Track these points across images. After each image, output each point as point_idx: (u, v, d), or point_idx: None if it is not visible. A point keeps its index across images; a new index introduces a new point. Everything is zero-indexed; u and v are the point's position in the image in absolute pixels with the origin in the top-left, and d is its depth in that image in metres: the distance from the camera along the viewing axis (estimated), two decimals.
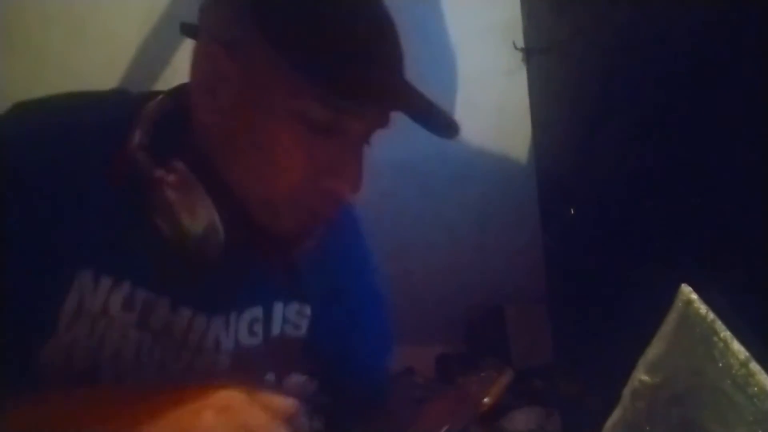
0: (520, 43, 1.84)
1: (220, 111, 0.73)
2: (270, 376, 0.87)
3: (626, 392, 0.72)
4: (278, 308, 0.86)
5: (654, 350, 0.71)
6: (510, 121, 2.07)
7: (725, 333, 0.67)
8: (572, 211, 1.53)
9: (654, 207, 1.21)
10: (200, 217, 0.72)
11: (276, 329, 0.86)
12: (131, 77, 1.93)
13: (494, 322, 2.43)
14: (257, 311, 0.85)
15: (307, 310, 0.89)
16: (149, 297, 0.77)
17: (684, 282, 0.70)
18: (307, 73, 0.68)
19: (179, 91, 0.80)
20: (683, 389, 0.68)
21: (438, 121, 0.76)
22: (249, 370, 0.85)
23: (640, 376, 0.71)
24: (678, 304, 0.70)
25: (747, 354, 0.65)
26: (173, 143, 0.74)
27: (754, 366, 0.65)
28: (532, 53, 1.78)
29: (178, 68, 1.98)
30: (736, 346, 0.66)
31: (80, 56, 1.88)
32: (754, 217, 0.93)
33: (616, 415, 0.72)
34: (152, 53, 1.95)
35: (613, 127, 1.37)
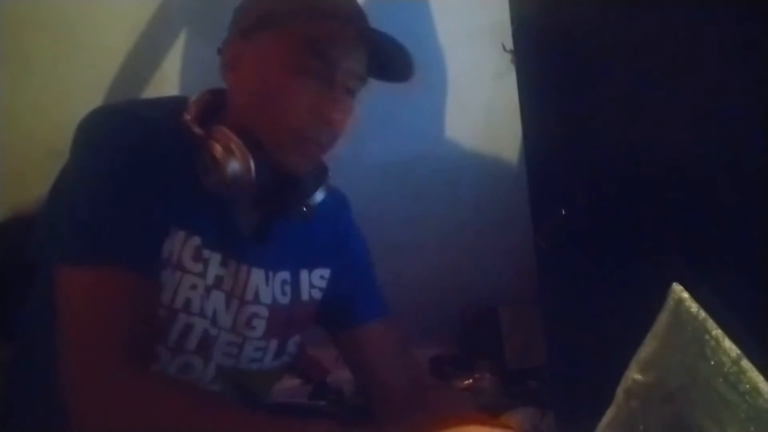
0: (509, 45, 1.84)
1: (243, 83, 0.98)
2: (273, 345, 1.04)
3: (620, 391, 0.72)
4: (305, 275, 1.09)
5: (647, 349, 0.71)
6: (500, 123, 2.08)
7: (717, 331, 0.67)
8: (563, 212, 1.54)
9: (644, 206, 1.22)
10: (237, 158, 0.91)
11: (305, 294, 1.09)
12: (121, 83, 1.93)
13: (488, 323, 2.43)
14: (286, 275, 1.06)
15: (327, 274, 1.11)
16: (207, 253, 0.96)
17: (675, 281, 0.71)
18: (298, 34, 0.93)
19: (215, 89, 1.03)
20: (676, 387, 0.68)
21: (399, 61, 0.97)
22: (281, 327, 1.04)
23: (633, 375, 0.71)
24: (669, 302, 0.70)
25: (738, 351, 0.65)
26: (215, 117, 0.99)
27: (746, 363, 0.65)
28: (520, 55, 1.78)
29: (167, 74, 1.98)
30: (728, 343, 0.66)
31: (70, 62, 1.87)
32: (744, 215, 0.93)
33: (609, 414, 0.73)
34: (142, 59, 1.95)
35: (602, 128, 1.38)
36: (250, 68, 0.97)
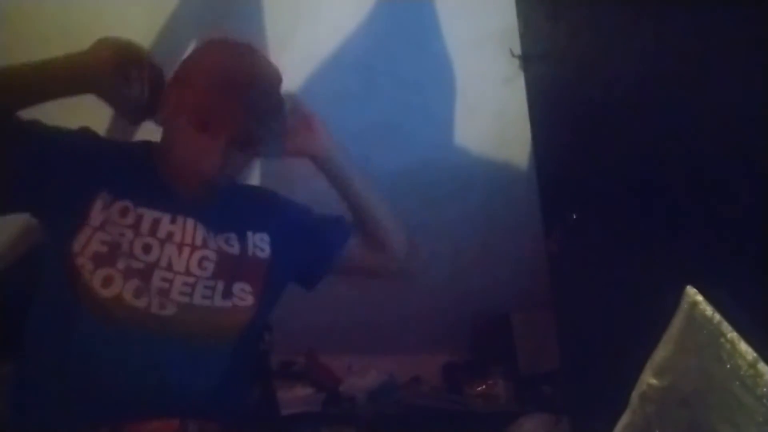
0: (517, 50, 1.84)
1: (165, 123, 1.24)
2: (220, 285, 1.20)
3: (635, 396, 0.72)
4: (250, 235, 1.29)
5: (661, 353, 0.71)
6: (509, 128, 2.07)
7: (732, 334, 0.66)
8: (574, 216, 1.53)
9: (656, 209, 1.21)
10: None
11: (250, 251, 1.27)
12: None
13: (501, 329, 2.42)
14: (232, 234, 1.27)
15: (266, 238, 1.30)
16: (155, 214, 1.20)
17: (689, 284, 0.70)
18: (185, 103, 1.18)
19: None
20: (691, 391, 0.68)
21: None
22: (228, 272, 1.22)
23: (648, 379, 0.71)
24: (684, 306, 0.70)
25: (755, 355, 0.65)
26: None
27: (762, 366, 0.64)
28: (529, 60, 1.78)
29: None
30: (744, 347, 0.66)
31: None
32: (759, 218, 0.93)
33: (625, 419, 0.72)
34: None
35: (612, 131, 1.38)
36: (165, 111, 1.22)
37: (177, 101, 1.20)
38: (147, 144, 1.30)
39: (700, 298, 0.69)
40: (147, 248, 1.17)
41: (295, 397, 2.26)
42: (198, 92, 1.17)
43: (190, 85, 1.19)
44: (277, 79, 1.24)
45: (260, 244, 1.30)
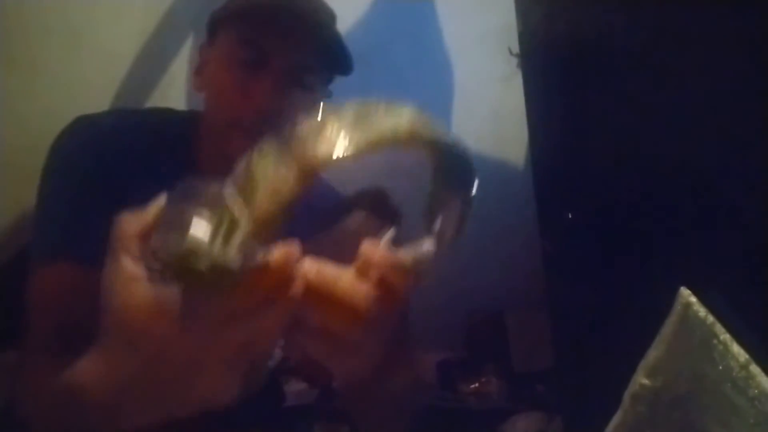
0: (516, 49, 1.84)
1: (204, 85, 1.13)
2: None
3: (627, 396, 0.72)
4: None
5: (654, 353, 0.71)
6: (506, 127, 2.07)
7: (725, 335, 0.66)
8: (570, 216, 1.53)
9: (651, 210, 1.22)
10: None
11: None
12: (128, 87, 1.94)
13: (495, 327, 2.43)
14: None
15: None
16: None
17: (683, 284, 0.70)
18: (236, 32, 1.06)
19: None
20: (684, 392, 0.68)
21: (337, 54, 1.12)
22: None
23: (641, 379, 0.71)
24: (677, 306, 0.70)
25: (747, 356, 0.65)
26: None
27: (755, 368, 0.64)
28: (527, 59, 1.78)
29: (175, 78, 1.98)
30: (736, 348, 0.66)
31: (77, 67, 1.88)
32: (752, 219, 0.93)
33: (617, 419, 0.72)
34: (149, 64, 1.96)
35: (609, 131, 1.38)
36: (207, 70, 1.12)
37: (214, 53, 1.09)
38: (189, 125, 1.14)
39: (693, 299, 0.69)
40: None
41: (288, 393, 2.26)
42: (247, 21, 1.06)
43: (236, 18, 1.07)
44: (331, 14, 1.16)
45: None
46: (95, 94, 1.87)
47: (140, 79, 1.94)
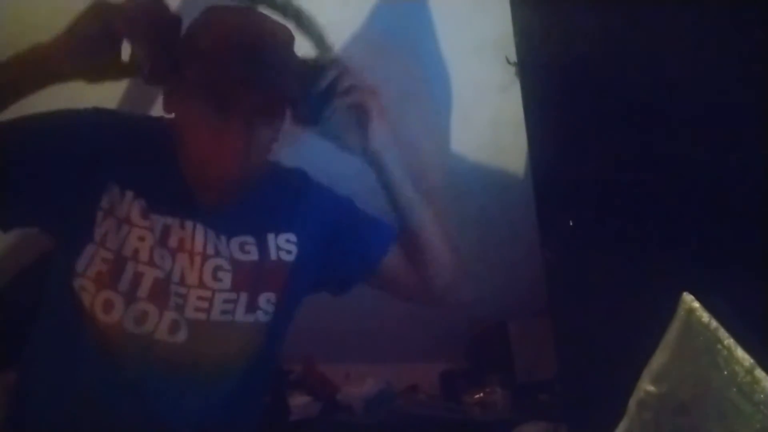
0: (513, 58, 1.84)
1: (173, 109, 1.11)
2: (243, 297, 1.10)
3: (632, 403, 0.72)
4: (272, 238, 1.16)
5: (658, 360, 0.71)
6: (505, 136, 2.07)
7: (729, 340, 0.66)
8: (571, 223, 1.53)
9: (653, 216, 1.21)
10: None
11: (273, 255, 1.15)
12: (129, 88, 1.93)
13: (498, 337, 2.42)
14: (248, 237, 1.14)
15: (293, 238, 1.18)
16: (165, 219, 1.08)
17: (686, 290, 0.70)
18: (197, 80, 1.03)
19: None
20: (689, 398, 0.68)
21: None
22: (249, 281, 1.10)
23: (646, 386, 0.71)
24: (680, 312, 0.70)
25: (752, 361, 0.65)
26: None
27: (760, 373, 0.64)
28: (525, 67, 1.79)
29: None
30: (741, 353, 0.65)
31: None
32: (755, 224, 0.93)
33: (622, 426, 0.72)
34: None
35: (608, 138, 1.38)
36: (176, 97, 1.09)
37: (187, 80, 1.04)
38: (166, 127, 1.13)
39: (696, 304, 0.69)
40: (159, 260, 1.05)
41: (292, 406, 2.26)
42: (206, 64, 1.01)
43: (195, 58, 1.02)
44: (288, 36, 1.10)
45: (285, 246, 1.17)
46: (97, 96, 1.87)
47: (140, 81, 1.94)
